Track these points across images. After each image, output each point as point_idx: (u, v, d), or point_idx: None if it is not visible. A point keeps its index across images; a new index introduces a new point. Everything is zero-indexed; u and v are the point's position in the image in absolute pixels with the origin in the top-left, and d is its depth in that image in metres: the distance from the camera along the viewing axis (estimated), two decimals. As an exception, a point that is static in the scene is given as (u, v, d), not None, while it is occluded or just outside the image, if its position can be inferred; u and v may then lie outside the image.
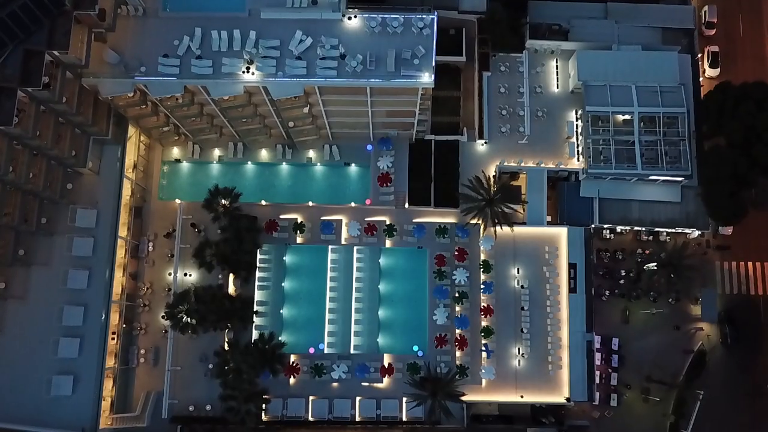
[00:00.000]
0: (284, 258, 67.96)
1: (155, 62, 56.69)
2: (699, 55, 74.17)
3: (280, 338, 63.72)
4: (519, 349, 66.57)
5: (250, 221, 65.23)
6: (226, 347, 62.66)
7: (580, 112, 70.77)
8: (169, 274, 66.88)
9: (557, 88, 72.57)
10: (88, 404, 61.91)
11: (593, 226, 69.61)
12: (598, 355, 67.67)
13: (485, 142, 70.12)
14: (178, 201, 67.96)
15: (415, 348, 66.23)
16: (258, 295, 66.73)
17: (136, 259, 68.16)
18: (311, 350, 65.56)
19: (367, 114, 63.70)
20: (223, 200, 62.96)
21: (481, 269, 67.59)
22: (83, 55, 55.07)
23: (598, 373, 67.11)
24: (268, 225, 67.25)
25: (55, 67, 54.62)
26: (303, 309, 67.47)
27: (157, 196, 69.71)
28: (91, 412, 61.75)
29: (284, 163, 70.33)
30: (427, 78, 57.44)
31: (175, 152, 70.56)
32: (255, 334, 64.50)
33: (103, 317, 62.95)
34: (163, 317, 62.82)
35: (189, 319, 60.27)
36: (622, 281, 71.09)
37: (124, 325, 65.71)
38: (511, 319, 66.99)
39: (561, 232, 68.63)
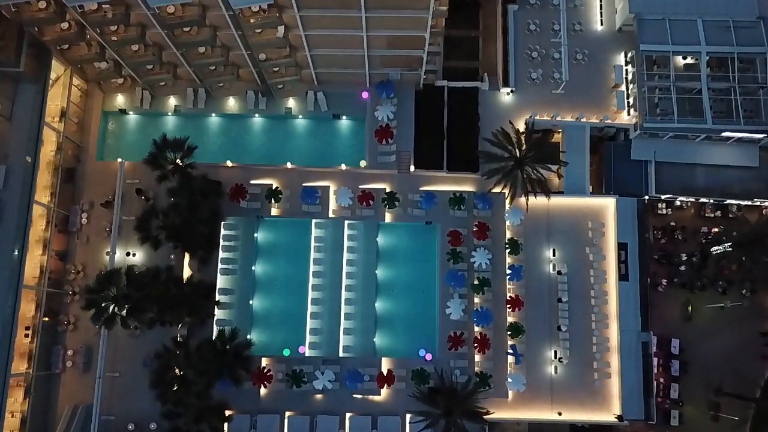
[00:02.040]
0: (255, 234, 58.02)
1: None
2: (780, -16, 63.39)
3: (248, 336, 54.46)
4: (555, 352, 56.73)
5: (210, 185, 54.18)
6: (173, 347, 50.67)
7: (631, 53, 60.80)
8: (107, 253, 55.37)
9: (601, 24, 62.47)
10: (-15, 422, 49.65)
11: (648, 197, 59.71)
12: (654, 361, 57.49)
13: (511, 91, 60.21)
14: (119, 160, 56.26)
15: (422, 351, 56.55)
16: (220, 281, 56.14)
17: (66, 233, 56.20)
18: (290, 352, 55.46)
19: (361, 43, 51.74)
20: (173, 155, 51.30)
21: (507, 250, 57.61)
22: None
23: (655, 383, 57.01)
24: (235, 191, 56.36)
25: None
26: (279, 299, 58.25)
27: (95, 155, 58.30)
28: (-11, 431, 49.32)
29: (257, 115, 60.18)
30: (440, -16, 44.48)
31: (120, 100, 59.22)
32: (216, 331, 53.98)
33: (9, 307, 49.90)
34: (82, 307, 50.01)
35: (118, 309, 48.10)
36: (682, 267, 60.38)
37: (45, 318, 53.66)
38: (545, 314, 57.43)
39: (608, 204, 58.89)
